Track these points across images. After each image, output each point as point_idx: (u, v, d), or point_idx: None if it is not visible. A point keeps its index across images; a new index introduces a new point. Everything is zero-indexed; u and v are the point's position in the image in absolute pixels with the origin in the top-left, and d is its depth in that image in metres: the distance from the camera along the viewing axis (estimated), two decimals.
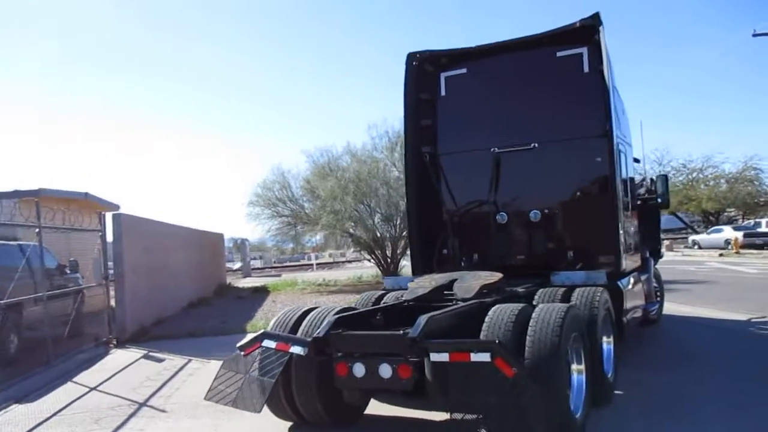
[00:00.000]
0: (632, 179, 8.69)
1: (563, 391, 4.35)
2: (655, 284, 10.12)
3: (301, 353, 4.78)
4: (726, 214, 45.79)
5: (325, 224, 19.83)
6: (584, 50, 7.53)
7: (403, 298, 6.09)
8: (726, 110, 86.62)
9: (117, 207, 23.66)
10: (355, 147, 22.10)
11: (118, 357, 10.13)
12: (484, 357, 4.09)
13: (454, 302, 5.67)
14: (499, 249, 7.97)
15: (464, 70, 8.29)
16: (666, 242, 35.33)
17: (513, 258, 7.90)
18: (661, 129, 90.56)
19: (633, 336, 8.70)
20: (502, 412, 4.11)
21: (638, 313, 8.17)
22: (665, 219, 47.06)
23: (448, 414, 4.28)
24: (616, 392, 6.08)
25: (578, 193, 7.63)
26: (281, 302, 17.07)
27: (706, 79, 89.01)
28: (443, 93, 8.38)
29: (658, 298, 10.20)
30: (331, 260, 48.31)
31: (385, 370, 4.54)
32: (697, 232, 39.83)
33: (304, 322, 5.31)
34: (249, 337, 5.07)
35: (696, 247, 33.98)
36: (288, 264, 48.97)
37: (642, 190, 10.31)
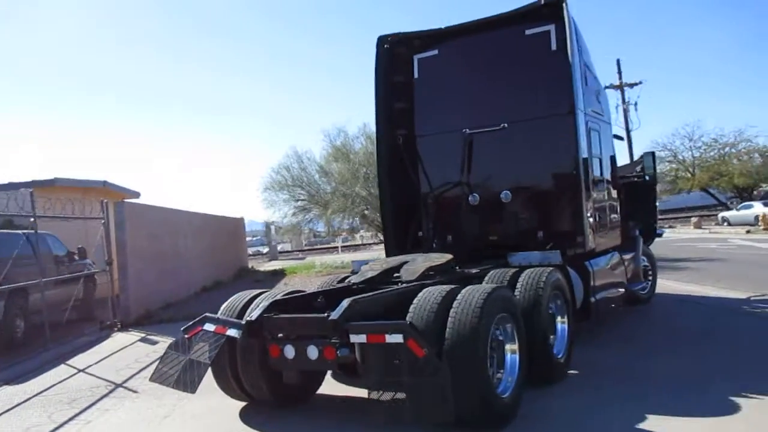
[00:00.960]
0: (612, 158, 8.57)
1: (482, 371, 4.38)
2: (646, 263, 10.00)
3: (236, 336, 4.94)
4: (762, 189, 44.39)
5: (335, 208, 20.01)
6: (551, 27, 7.43)
7: (352, 281, 6.18)
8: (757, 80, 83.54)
9: (137, 194, 24.27)
10: (370, 129, 22.05)
11: (118, 340, 10.50)
12: (398, 338, 4.19)
13: (399, 285, 5.75)
14: (471, 230, 7.99)
15: (436, 52, 8.27)
16: (694, 219, 34.56)
17: (485, 239, 7.91)
18: (694, 103, 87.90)
19: (613, 315, 8.68)
20: (418, 392, 4.19)
21: (615, 293, 8.10)
22: (697, 196, 46.11)
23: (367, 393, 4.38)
24: (572, 372, 6.11)
25: (546, 173, 7.59)
26: (292, 285, 17.33)
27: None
28: (417, 75, 8.38)
29: (650, 278, 10.07)
30: (360, 242, 48.51)
31: (313, 352, 4.67)
32: (729, 209, 38.70)
33: (251, 306, 5.45)
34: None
35: (725, 224, 32.99)
36: (318, 246, 49.43)
37: (638, 168, 10.14)
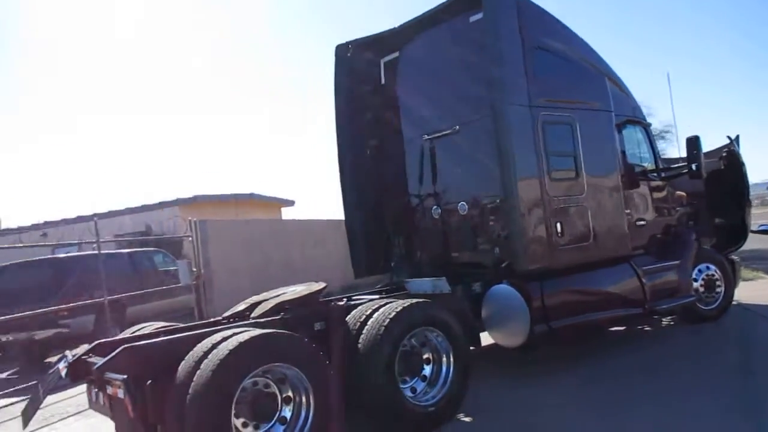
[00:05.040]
0: (616, 151, 7.11)
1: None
2: (711, 272, 8.12)
3: (64, 375, 5.08)
4: None
5: None
6: None
7: (226, 314, 5.95)
8: None
9: (291, 203, 26.00)
10: None
11: None
12: (121, 394, 4.00)
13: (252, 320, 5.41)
14: (435, 246, 7.24)
15: (397, 54, 7.63)
16: None
17: (449, 256, 7.11)
18: None
19: (622, 342, 7.28)
20: None
21: (610, 315, 6.77)
22: None
23: None
24: (466, 419, 5.23)
25: (491, 180, 6.54)
26: None
27: None
28: (383, 81, 7.82)
29: (718, 290, 8.12)
30: None
31: (102, 398, 4.62)
32: None
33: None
34: None
35: None
36: None
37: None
